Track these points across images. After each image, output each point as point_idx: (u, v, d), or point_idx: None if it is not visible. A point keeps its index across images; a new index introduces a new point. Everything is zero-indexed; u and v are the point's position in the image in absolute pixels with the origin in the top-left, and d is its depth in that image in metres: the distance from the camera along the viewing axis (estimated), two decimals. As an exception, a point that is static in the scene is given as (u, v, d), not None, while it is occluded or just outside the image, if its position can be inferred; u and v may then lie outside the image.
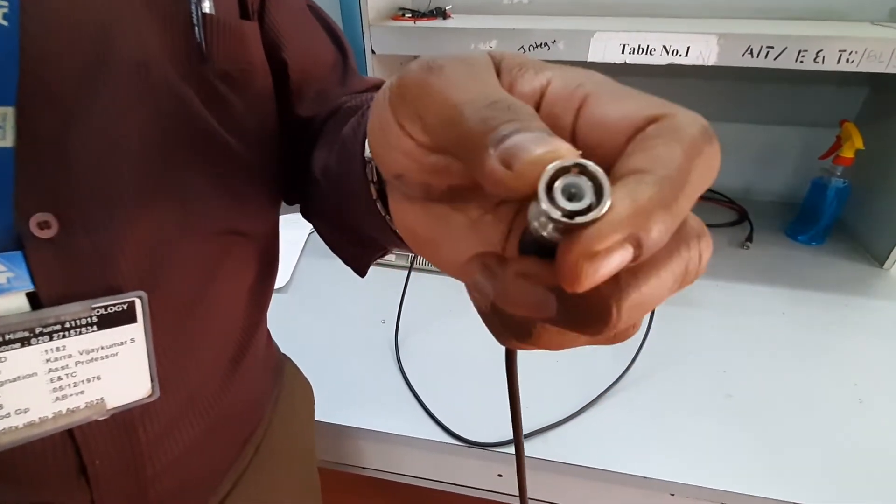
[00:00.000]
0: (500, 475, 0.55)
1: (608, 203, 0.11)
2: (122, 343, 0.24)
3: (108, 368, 0.24)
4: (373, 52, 0.82)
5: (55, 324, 0.22)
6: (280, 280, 0.75)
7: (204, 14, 0.25)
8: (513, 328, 0.15)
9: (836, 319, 0.70)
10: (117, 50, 0.23)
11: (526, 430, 0.53)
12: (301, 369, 0.53)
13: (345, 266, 0.35)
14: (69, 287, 0.22)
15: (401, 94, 0.15)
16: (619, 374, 0.60)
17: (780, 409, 0.56)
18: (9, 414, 0.22)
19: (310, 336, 0.67)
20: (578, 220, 0.11)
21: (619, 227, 0.11)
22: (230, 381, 0.33)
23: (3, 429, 0.22)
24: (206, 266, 0.29)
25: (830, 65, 0.68)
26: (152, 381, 0.26)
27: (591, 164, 0.11)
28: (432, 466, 0.57)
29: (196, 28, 0.25)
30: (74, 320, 0.22)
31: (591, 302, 0.12)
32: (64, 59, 0.21)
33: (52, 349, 0.22)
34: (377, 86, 0.39)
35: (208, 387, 0.32)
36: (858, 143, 0.80)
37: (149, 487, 0.28)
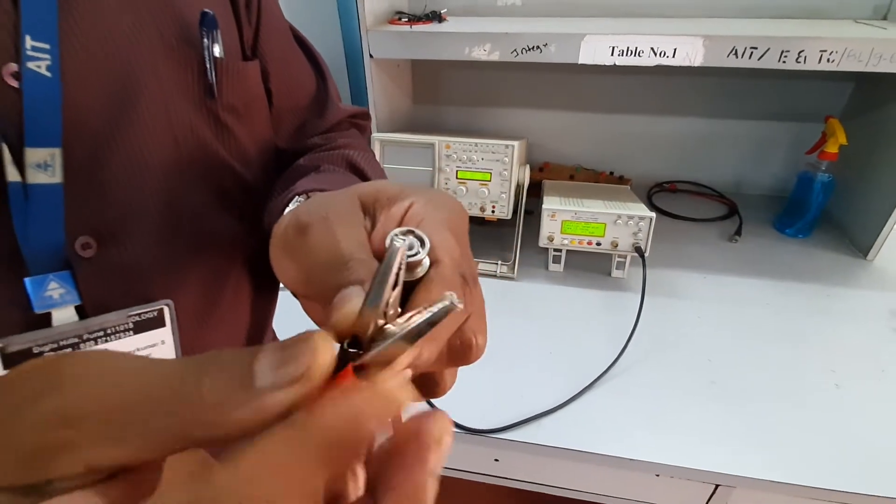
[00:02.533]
0: (496, 460, 0.58)
1: (427, 248, 0.17)
2: (154, 345, 0.27)
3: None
4: (370, 55, 0.85)
5: (99, 330, 0.26)
6: None
7: (215, 58, 0.28)
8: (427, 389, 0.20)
9: (819, 309, 0.73)
10: (142, 90, 0.26)
11: (521, 416, 0.56)
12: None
13: None
14: (108, 299, 0.27)
15: (278, 244, 0.19)
16: (610, 363, 0.63)
17: (761, 394, 0.59)
18: None
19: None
20: (413, 258, 0.16)
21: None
22: None
23: None
24: (217, 275, 0.32)
25: (812, 64, 0.70)
26: None
27: (416, 230, 0.17)
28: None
29: (208, 70, 0.28)
30: (114, 327, 0.26)
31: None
32: (99, 102, 0.25)
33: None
34: (353, 115, 0.43)
35: None
36: (842, 138, 0.83)
37: None
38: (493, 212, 0.81)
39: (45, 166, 0.23)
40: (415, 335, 0.13)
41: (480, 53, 0.80)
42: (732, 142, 1.07)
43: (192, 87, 0.28)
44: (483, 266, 0.82)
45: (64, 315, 0.24)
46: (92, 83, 0.24)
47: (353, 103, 1.24)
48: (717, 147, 1.08)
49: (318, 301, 0.17)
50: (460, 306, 0.13)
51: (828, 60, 0.70)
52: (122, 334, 0.26)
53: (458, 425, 0.56)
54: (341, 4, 1.10)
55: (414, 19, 0.89)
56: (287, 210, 0.26)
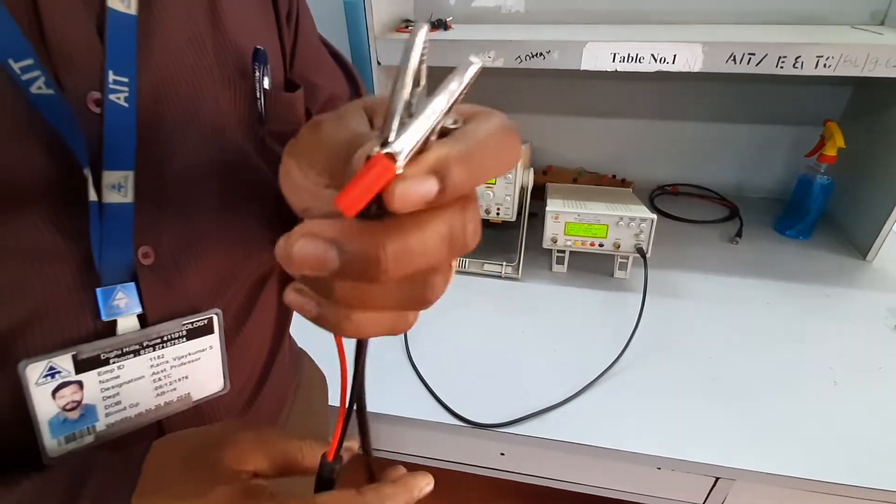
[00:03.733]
0: (502, 454, 0.60)
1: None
2: (203, 350, 0.30)
3: (194, 370, 0.30)
4: (378, 63, 0.87)
5: (157, 338, 0.28)
6: None
7: (265, 90, 0.32)
8: (318, 291, 0.18)
9: (817, 309, 0.75)
10: (202, 117, 0.29)
11: (527, 411, 0.58)
12: (318, 362, 0.58)
13: None
14: (166, 308, 0.29)
15: (294, 147, 0.19)
16: (612, 360, 0.65)
17: (760, 390, 0.61)
18: (125, 408, 0.28)
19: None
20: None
21: (428, 163, 0.14)
22: (267, 375, 0.40)
23: (121, 419, 0.28)
24: (256, 286, 0.35)
25: (809, 70, 0.72)
26: (224, 378, 0.32)
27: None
28: (440, 446, 0.62)
29: (258, 100, 0.31)
30: (170, 334, 0.29)
31: (364, 252, 0.14)
32: (165, 129, 0.27)
33: (154, 357, 0.28)
34: None
35: (252, 380, 0.38)
36: (840, 141, 0.84)
37: None
38: (497, 214, 0.83)
39: (118, 187, 0.25)
40: (447, 98, 0.14)
41: (485, 60, 0.82)
42: (734, 145, 1.08)
43: (245, 115, 0.31)
44: (488, 267, 0.84)
45: (128, 323, 0.27)
46: (161, 113, 0.27)
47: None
48: (719, 150, 1.10)
49: (337, 179, 0.17)
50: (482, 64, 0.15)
51: (824, 66, 0.72)
52: (175, 341, 0.29)
53: (465, 420, 0.58)
54: (349, 13, 1.13)
55: (420, 27, 0.92)
56: None
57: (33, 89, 0.22)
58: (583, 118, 1.14)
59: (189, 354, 0.29)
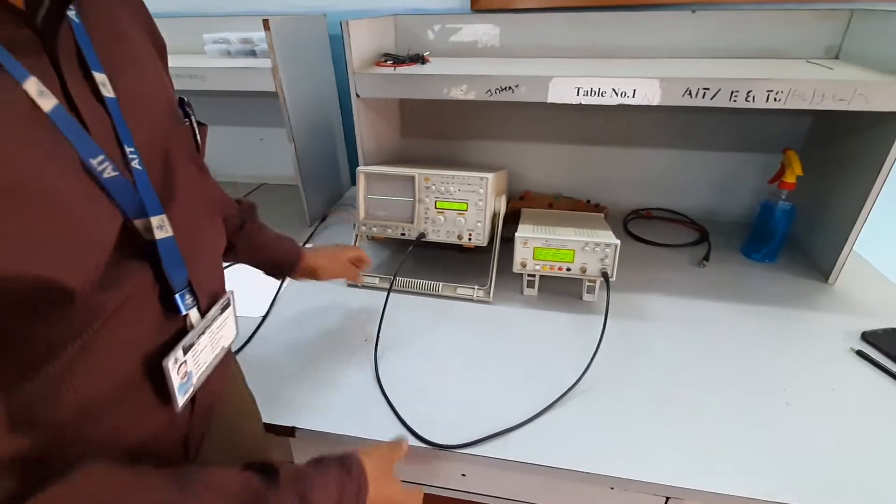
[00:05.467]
0: (463, 475, 0.61)
1: None
2: (228, 317, 0.46)
3: (224, 331, 0.46)
4: (357, 95, 0.92)
5: (210, 320, 0.42)
6: (259, 310, 0.84)
7: (195, 131, 0.43)
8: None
9: (777, 331, 0.77)
10: (179, 159, 0.39)
11: (487, 432, 0.60)
12: (291, 381, 0.61)
13: (334, 293, 0.86)
14: (209, 298, 0.42)
15: (299, 277, 0.69)
16: (573, 382, 0.67)
17: (714, 412, 0.63)
18: (202, 367, 0.42)
19: (297, 354, 0.75)
20: None
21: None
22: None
23: (200, 374, 0.42)
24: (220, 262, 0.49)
25: (760, 103, 0.76)
26: (237, 331, 0.48)
27: None
28: (402, 467, 0.63)
29: (195, 135, 0.43)
30: (215, 315, 0.43)
31: None
32: (160, 176, 0.37)
33: (211, 331, 0.43)
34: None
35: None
36: (798, 169, 0.88)
37: (199, 402, 0.44)
38: (469, 239, 0.86)
39: (161, 227, 0.35)
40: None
41: (458, 93, 0.86)
42: (704, 171, 1.12)
43: (192, 148, 0.43)
44: (461, 290, 0.86)
45: (195, 315, 0.40)
46: (156, 161, 0.37)
47: (346, 137, 1.32)
48: (690, 176, 1.14)
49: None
50: None
51: (775, 100, 0.76)
52: (217, 317, 0.44)
53: (426, 441, 0.59)
54: (334, 50, 1.18)
55: (399, 61, 0.96)
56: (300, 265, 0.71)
57: (105, 175, 0.31)
58: (560, 145, 1.19)
59: (223, 322, 0.45)
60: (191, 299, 0.39)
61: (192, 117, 0.42)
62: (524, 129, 1.18)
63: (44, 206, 0.27)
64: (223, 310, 0.45)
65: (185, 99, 0.42)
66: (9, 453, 0.29)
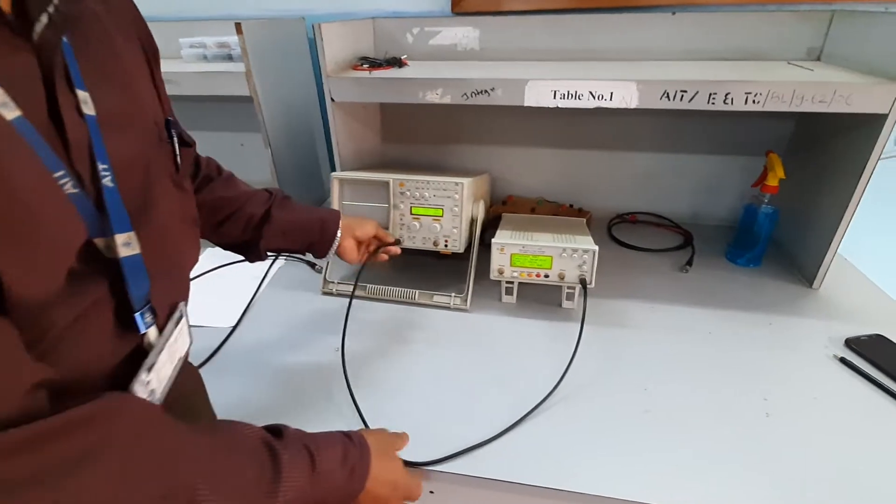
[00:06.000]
0: (431, 492, 0.59)
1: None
2: (182, 328, 0.44)
3: (180, 342, 0.44)
4: (332, 99, 0.90)
5: (168, 335, 0.41)
6: (229, 320, 0.81)
7: (176, 152, 0.44)
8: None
9: (759, 338, 0.75)
10: (159, 178, 0.40)
11: (458, 448, 0.58)
12: (258, 394, 0.59)
13: (309, 302, 0.87)
14: (166, 313, 0.42)
15: (344, 244, 0.73)
16: (545, 394, 0.64)
17: (693, 423, 0.61)
18: (164, 382, 0.41)
19: (266, 365, 0.73)
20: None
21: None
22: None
23: (163, 389, 0.41)
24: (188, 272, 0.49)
25: (739, 105, 0.75)
26: (191, 340, 0.47)
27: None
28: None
29: (176, 156, 0.44)
30: (171, 329, 0.42)
31: None
32: (136, 193, 0.37)
33: (169, 344, 0.41)
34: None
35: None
36: (780, 172, 0.87)
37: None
38: (446, 245, 0.84)
39: (128, 244, 0.35)
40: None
41: (433, 97, 0.84)
42: (688, 175, 1.11)
43: (171, 168, 0.44)
44: (437, 298, 0.84)
45: (153, 333, 0.39)
46: (132, 181, 0.37)
47: (327, 143, 1.30)
48: (674, 180, 1.12)
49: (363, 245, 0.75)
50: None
51: (753, 101, 0.75)
52: (174, 331, 0.42)
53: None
54: (314, 54, 1.17)
55: (375, 65, 0.95)
56: (338, 232, 0.71)
57: (66, 190, 0.31)
58: (544, 149, 1.17)
59: (179, 334, 0.44)
60: (150, 317, 0.38)
61: (175, 139, 0.44)
62: (508, 133, 1.17)
63: (5, 201, 0.26)
64: (178, 322, 0.44)
65: (172, 119, 0.44)
66: None
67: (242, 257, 0.67)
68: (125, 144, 0.36)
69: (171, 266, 0.42)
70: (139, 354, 0.38)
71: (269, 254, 0.67)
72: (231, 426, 0.40)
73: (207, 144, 1.39)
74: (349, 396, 0.65)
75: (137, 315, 0.37)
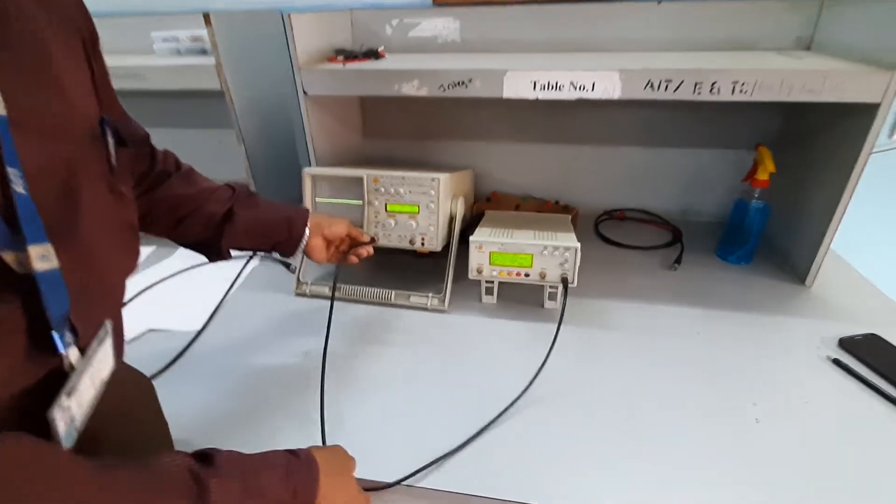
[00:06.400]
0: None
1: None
2: (106, 348, 0.40)
3: (103, 363, 0.40)
4: (305, 93, 0.86)
5: (90, 356, 0.37)
6: (195, 324, 0.78)
7: (111, 153, 0.40)
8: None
9: (749, 339, 0.72)
10: (87, 183, 0.36)
11: (425, 460, 0.54)
12: (220, 404, 0.55)
13: (281, 305, 0.84)
14: (89, 333, 0.37)
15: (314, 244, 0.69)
16: (514, 398, 0.61)
17: (679, 430, 0.57)
18: (84, 406, 0.37)
19: (230, 372, 0.69)
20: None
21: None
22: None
23: (83, 414, 0.37)
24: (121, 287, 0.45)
25: (726, 95, 0.72)
26: (113, 361, 0.42)
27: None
28: None
29: (111, 157, 0.40)
30: (95, 349, 0.38)
31: None
32: (56, 201, 0.33)
33: (91, 366, 0.37)
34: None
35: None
36: (770, 166, 0.83)
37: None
38: (423, 244, 0.80)
39: (45, 257, 0.32)
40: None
41: (409, 89, 0.81)
42: (676, 170, 1.08)
43: (105, 170, 0.40)
44: (414, 299, 0.81)
45: (74, 352, 0.35)
46: (52, 187, 0.33)
47: (299, 137, 1.26)
48: (662, 175, 1.09)
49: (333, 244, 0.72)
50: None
51: (741, 91, 0.72)
52: (98, 351, 0.38)
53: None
54: (290, 44, 1.13)
55: (351, 57, 0.91)
56: (307, 231, 0.67)
57: None
58: (529, 144, 1.14)
59: (103, 355, 0.39)
60: (71, 336, 0.35)
61: (108, 138, 0.40)
62: (492, 128, 1.13)
63: None
64: (102, 342, 0.40)
65: (108, 117, 0.41)
66: None
67: (205, 257, 0.63)
68: (43, 146, 0.33)
69: (99, 280, 0.39)
70: (58, 377, 0.34)
71: (233, 253, 0.64)
72: (154, 460, 0.36)
73: (185, 142, 1.35)
74: (318, 403, 0.61)
75: (56, 335, 0.33)
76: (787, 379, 0.64)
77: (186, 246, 0.62)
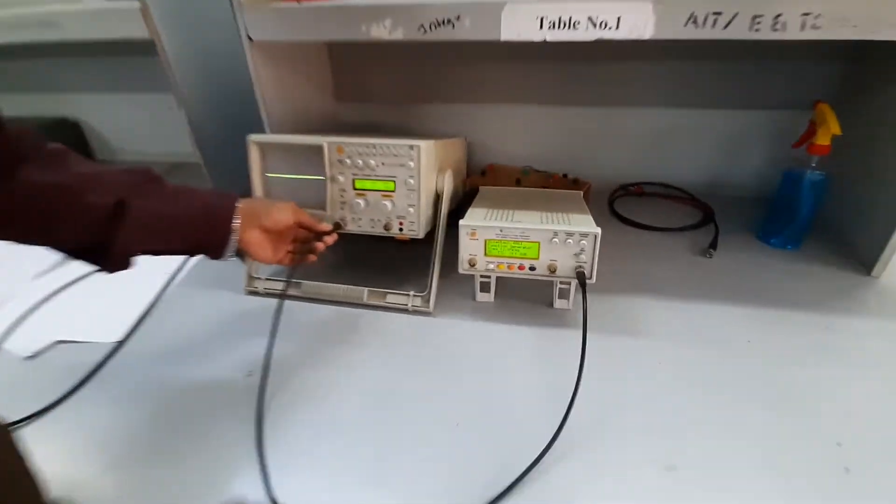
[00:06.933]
0: None
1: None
2: None
3: None
4: (249, 38, 0.68)
5: None
6: (115, 332, 0.62)
7: None
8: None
9: (815, 348, 0.57)
10: None
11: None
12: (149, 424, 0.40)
13: (225, 304, 0.69)
14: None
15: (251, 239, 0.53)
16: (541, 448, 0.46)
17: (737, 484, 0.42)
18: None
19: (154, 395, 0.54)
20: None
21: None
22: None
23: None
24: None
25: (793, 32, 0.55)
26: None
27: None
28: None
29: None
30: None
31: None
32: None
33: None
34: None
35: None
36: (835, 127, 0.67)
37: None
38: (401, 229, 0.64)
39: None
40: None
41: (381, 31, 0.63)
42: (706, 135, 0.91)
43: None
44: (392, 298, 0.65)
45: None
46: None
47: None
48: (689, 142, 0.92)
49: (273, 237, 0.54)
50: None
51: (812, 27, 0.54)
52: None
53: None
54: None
55: (310, -5, 0.73)
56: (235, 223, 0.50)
57: None
58: (531, 106, 0.96)
59: None
60: None
61: None
62: (488, 88, 0.96)
63: None
64: None
65: None
66: None
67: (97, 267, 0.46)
68: None
69: None
70: None
71: (135, 259, 0.46)
72: None
73: (133, 107, 1.18)
74: (257, 448, 0.46)
75: None
76: (873, 404, 0.49)
77: (68, 254, 0.44)
